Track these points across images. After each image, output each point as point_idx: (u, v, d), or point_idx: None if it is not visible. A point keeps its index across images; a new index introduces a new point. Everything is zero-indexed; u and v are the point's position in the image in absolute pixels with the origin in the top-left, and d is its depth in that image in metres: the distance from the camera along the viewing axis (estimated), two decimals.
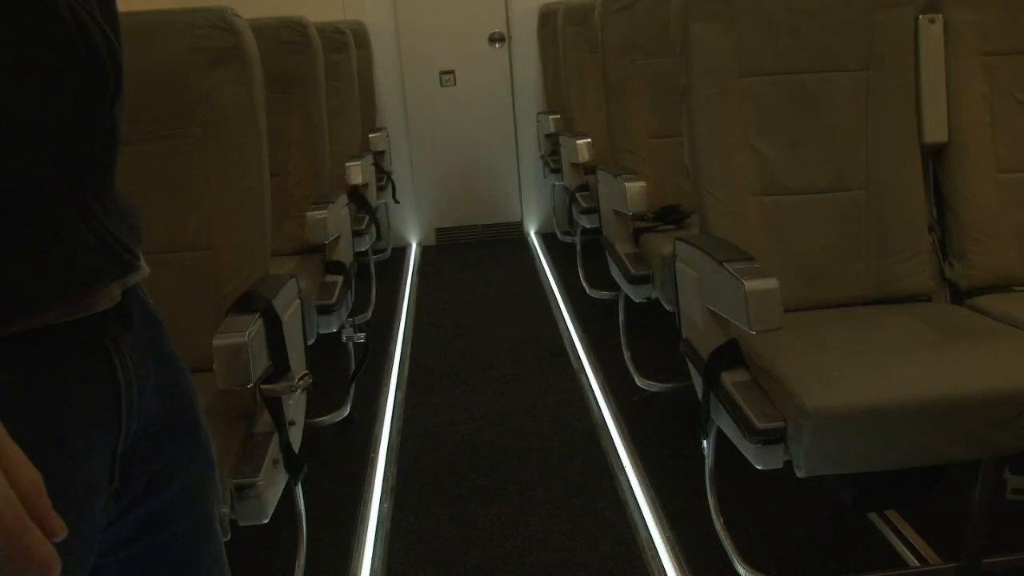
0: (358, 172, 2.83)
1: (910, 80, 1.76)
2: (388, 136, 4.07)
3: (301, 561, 1.68)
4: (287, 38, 2.37)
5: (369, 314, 3.21)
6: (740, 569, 1.60)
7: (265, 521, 1.30)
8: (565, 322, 3.10)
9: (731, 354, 1.50)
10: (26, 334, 0.51)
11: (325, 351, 2.36)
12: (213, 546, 0.74)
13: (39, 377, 0.52)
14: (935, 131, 1.77)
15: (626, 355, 2.57)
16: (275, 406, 1.39)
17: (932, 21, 1.76)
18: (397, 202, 4.10)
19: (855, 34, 1.74)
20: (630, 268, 2.25)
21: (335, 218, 2.24)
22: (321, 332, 2.08)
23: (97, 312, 0.56)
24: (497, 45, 4.15)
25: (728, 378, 1.48)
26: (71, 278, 0.53)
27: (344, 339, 2.27)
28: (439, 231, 4.44)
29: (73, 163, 0.52)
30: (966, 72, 1.77)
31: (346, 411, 2.38)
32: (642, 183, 2.23)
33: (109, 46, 0.52)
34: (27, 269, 0.49)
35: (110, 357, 0.58)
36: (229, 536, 1.19)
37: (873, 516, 1.79)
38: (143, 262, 0.62)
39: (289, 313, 1.50)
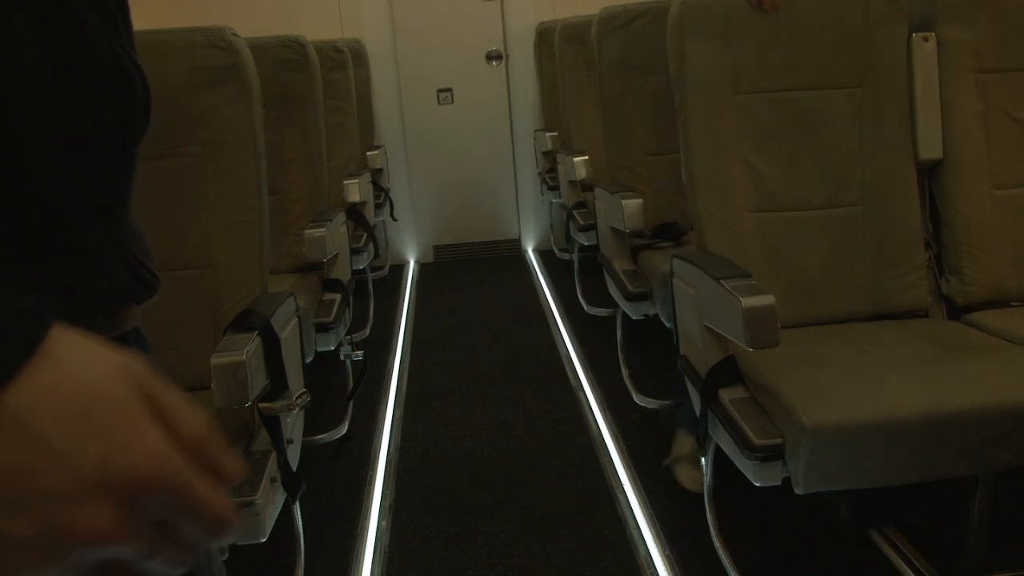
0: (356, 190, 2.83)
1: (904, 97, 1.77)
2: (386, 154, 4.08)
3: None
4: (285, 57, 2.38)
5: (367, 331, 3.21)
6: None
7: (263, 540, 1.29)
8: (563, 339, 3.10)
9: (729, 371, 1.50)
10: None
11: (323, 369, 2.36)
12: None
13: None
14: (930, 148, 1.78)
15: (624, 372, 2.57)
16: (273, 424, 1.39)
17: (925, 39, 1.77)
18: (395, 219, 4.11)
19: (849, 52, 1.75)
20: (628, 285, 2.25)
21: (333, 236, 2.24)
22: (319, 350, 2.08)
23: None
24: (495, 63, 4.18)
25: (726, 395, 1.48)
26: (105, 300, 0.55)
27: (342, 357, 2.26)
28: (437, 248, 4.44)
29: (103, 191, 0.54)
30: (960, 89, 1.79)
31: (344, 429, 2.37)
32: (639, 200, 2.23)
33: (143, 83, 0.54)
34: (64, 291, 0.50)
35: None
36: (227, 555, 1.19)
37: (872, 532, 1.78)
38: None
39: (287, 331, 1.50)
